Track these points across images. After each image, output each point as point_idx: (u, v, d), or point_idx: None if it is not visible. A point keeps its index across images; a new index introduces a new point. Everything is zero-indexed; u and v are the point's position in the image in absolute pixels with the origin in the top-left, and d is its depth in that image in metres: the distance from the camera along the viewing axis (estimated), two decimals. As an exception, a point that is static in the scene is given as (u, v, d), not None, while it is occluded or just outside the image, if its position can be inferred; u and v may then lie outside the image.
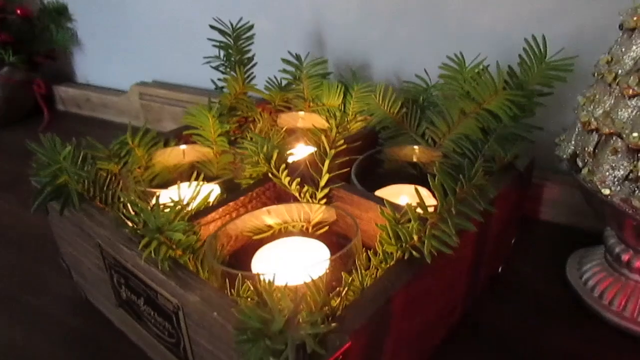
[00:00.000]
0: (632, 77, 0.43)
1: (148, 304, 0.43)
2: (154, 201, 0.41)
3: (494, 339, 0.51)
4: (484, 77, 0.53)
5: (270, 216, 0.47)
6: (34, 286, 0.60)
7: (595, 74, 0.49)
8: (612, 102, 0.46)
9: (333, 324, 0.31)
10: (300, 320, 0.30)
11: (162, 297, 0.40)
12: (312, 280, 0.36)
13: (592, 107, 0.48)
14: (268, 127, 0.65)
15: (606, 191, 0.45)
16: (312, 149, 0.58)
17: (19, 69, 1.02)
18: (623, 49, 0.46)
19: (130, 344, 0.51)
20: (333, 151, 0.48)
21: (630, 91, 0.43)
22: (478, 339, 0.50)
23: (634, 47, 0.44)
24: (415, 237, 0.38)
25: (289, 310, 0.29)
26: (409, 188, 0.57)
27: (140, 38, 1.01)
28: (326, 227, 0.49)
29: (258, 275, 0.36)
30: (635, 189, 0.43)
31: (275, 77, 0.71)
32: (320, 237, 0.48)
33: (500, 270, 0.59)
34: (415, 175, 0.60)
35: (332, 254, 0.46)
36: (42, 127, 1.04)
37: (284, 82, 0.71)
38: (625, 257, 0.51)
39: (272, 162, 0.49)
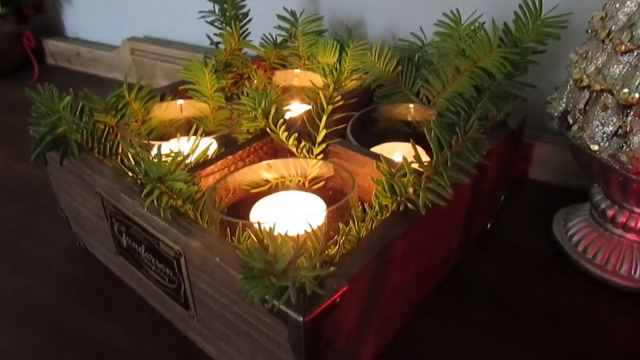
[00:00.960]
0: (624, 33, 0.44)
1: (149, 252, 0.45)
2: (154, 152, 0.42)
3: (483, 290, 0.53)
4: (479, 35, 0.53)
5: (269, 170, 0.48)
6: (33, 236, 0.61)
7: (589, 31, 0.50)
8: (605, 58, 0.46)
9: (332, 268, 0.33)
10: (301, 264, 0.31)
11: (164, 244, 0.41)
12: (312, 229, 0.37)
13: (584, 64, 0.49)
14: (264, 85, 0.65)
15: (595, 147, 0.46)
16: (307, 107, 0.59)
17: (8, 21, 1.00)
18: (617, 5, 0.46)
19: (130, 291, 0.53)
20: (330, 107, 0.49)
21: (623, 47, 0.44)
22: (467, 290, 0.53)
23: (628, 3, 0.45)
24: (411, 190, 0.39)
25: (291, 254, 0.30)
26: (403, 146, 0.58)
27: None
28: (322, 182, 0.50)
29: (259, 223, 0.37)
30: (623, 144, 0.45)
31: (270, 34, 0.70)
32: (317, 192, 0.50)
33: (489, 226, 0.61)
34: (409, 133, 0.61)
35: (328, 207, 0.47)
36: (32, 81, 1.02)
37: (279, 39, 0.71)
38: (610, 212, 0.53)
39: (270, 117, 0.50)
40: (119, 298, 0.52)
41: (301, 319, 0.31)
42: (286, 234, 0.36)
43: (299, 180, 0.51)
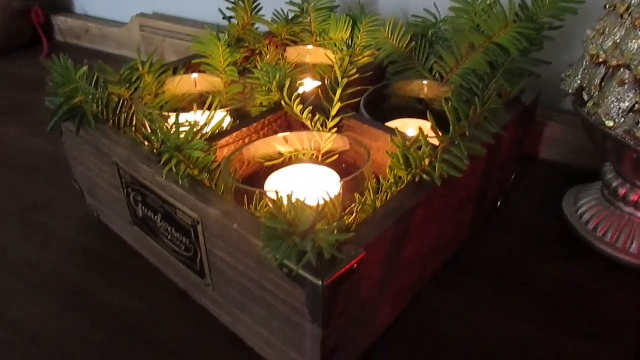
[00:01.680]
0: (644, 9, 0.44)
1: (165, 220, 0.45)
2: (171, 121, 0.42)
3: (492, 266, 0.53)
4: (495, 10, 0.53)
5: (285, 143, 0.49)
6: (46, 208, 0.62)
7: (607, 6, 0.50)
8: (623, 33, 0.46)
9: (350, 234, 0.33)
10: (319, 230, 0.32)
11: (181, 213, 0.42)
12: (329, 198, 0.38)
13: (601, 40, 0.49)
14: (276, 61, 0.65)
15: (610, 123, 0.46)
16: (319, 84, 0.59)
17: (18, -4, 0.99)
18: (637, -19, 0.46)
19: (144, 260, 0.53)
20: (346, 80, 0.49)
21: (642, 24, 0.44)
22: (477, 265, 0.53)
23: (649, -21, 0.45)
24: (427, 162, 0.39)
25: (310, 219, 0.31)
26: (415, 122, 0.58)
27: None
28: (336, 156, 0.50)
29: (277, 192, 0.37)
30: (639, 120, 0.45)
31: (282, 10, 0.70)
32: (330, 166, 0.50)
33: (499, 204, 0.61)
34: (421, 110, 0.61)
35: (343, 179, 0.48)
36: (42, 57, 1.02)
37: (290, 15, 0.71)
38: (622, 191, 0.53)
39: (285, 90, 0.50)
40: (133, 268, 0.53)
41: (320, 283, 0.32)
42: (304, 202, 0.37)
43: (313, 154, 0.51)
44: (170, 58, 0.93)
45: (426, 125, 0.58)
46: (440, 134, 0.48)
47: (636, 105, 0.45)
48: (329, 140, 0.50)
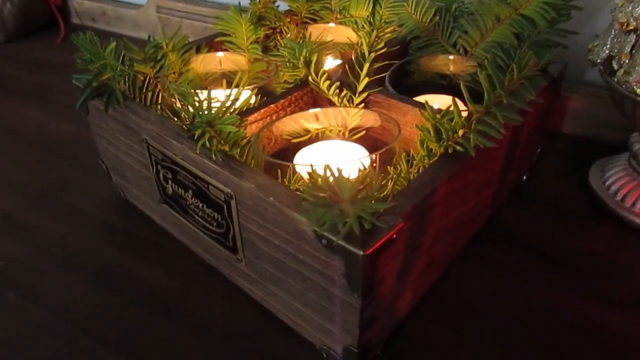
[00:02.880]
0: (679, -24, 0.43)
1: (197, 197, 0.45)
2: (202, 96, 0.42)
3: (520, 238, 0.53)
4: (523, -20, 0.52)
5: (315, 119, 0.48)
6: (72, 188, 0.63)
7: (638, -24, 0.49)
8: (655, 2, 0.46)
9: (391, 203, 0.33)
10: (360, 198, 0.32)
11: (214, 188, 0.42)
12: (365, 168, 0.38)
13: (630, 7, 0.48)
14: (298, 38, 0.65)
15: (641, 92, 0.46)
16: (339, 62, 0.58)
17: (34, -22, 0.99)
18: (670, -52, 0.45)
19: (172, 238, 0.54)
20: (373, 54, 0.48)
21: (676, -10, 0.43)
22: (505, 238, 0.53)
23: (684, -55, 0.44)
24: (460, 132, 0.39)
25: (353, 187, 0.31)
26: (440, 97, 0.58)
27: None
28: (364, 132, 0.50)
29: (311, 165, 0.38)
30: (672, 89, 0.44)
31: (302, -14, 0.69)
32: (358, 141, 0.50)
33: (525, 178, 0.61)
34: (444, 86, 0.61)
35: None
36: (59, 39, 1.02)
37: (310, -8, 0.70)
38: (650, 161, 0.53)
39: (312, 67, 0.50)
40: (162, 245, 0.54)
41: (361, 252, 0.32)
42: (340, 172, 0.37)
43: (340, 130, 0.51)
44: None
45: (451, 101, 0.58)
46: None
47: (669, 74, 0.44)
48: (356, 116, 0.50)
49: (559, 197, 0.59)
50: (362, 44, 0.50)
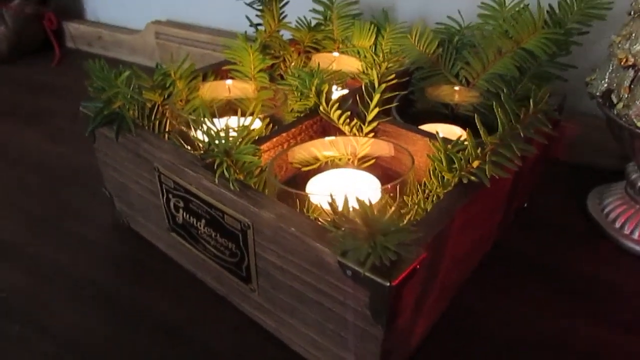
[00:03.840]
0: (675, 15, 0.45)
1: (210, 226, 0.45)
2: (218, 125, 0.43)
3: (524, 263, 0.54)
4: (524, 16, 0.54)
5: (328, 147, 0.49)
6: (74, 215, 0.62)
7: (632, 12, 0.51)
8: (652, 39, 0.48)
9: (418, 234, 0.34)
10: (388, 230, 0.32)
11: (229, 217, 0.42)
12: (386, 197, 0.38)
13: (628, 44, 0.50)
14: (307, 67, 0.66)
15: (641, 124, 0.48)
16: (343, 91, 0.59)
17: (30, 1, 0.99)
18: (664, -11, 0.48)
19: (179, 267, 0.53)
20: (383, 85, 0.49)
21: (673, 29, 0.45)
22: (510, 263, 0.54)
23: (677, -14, 0.46)
24: (476, 163, 0.40)
25: (386, 220, 0.31)
26: (443, 127, 0.59)
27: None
28: (373, 160, 0.51)
29: (331, 194, 0.38)
30: (671, 122, 0.46)
31: (304, 17, 0.71)
32: (368, 170, 0.51)
33: (525, 205, 0.62)
34: (447, 114, 0.62)
35: (382, 184, 0.48)
36: (54, 62, 1.01)
37: (313, 22, 0.71)
38: (647, 190, 0.55)
39: (322, 96, 0.51)
40: (169, 274, 0.53)
41: (387, 283, 0.32)
42: (363, 202, 0.38)
43: (349, 159, 0.52)
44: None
45: (454, 130, 0.60)
46: (482, 137, 0.49)
47: (668, 107, 0.46)
48: (367, 145, 0.50)
49: (560, 223, 0.61)
50: (370, 74, 0.51)
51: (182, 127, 0.51)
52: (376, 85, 0.51)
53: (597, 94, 0.53)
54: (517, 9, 0.56)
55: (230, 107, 0.61)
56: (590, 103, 0.58)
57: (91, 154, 0.57)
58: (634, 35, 0.50)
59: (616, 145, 0.56)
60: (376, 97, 0.50)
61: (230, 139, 0.41)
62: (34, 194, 0.66)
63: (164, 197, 0.49)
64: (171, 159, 0.45)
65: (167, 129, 0.55)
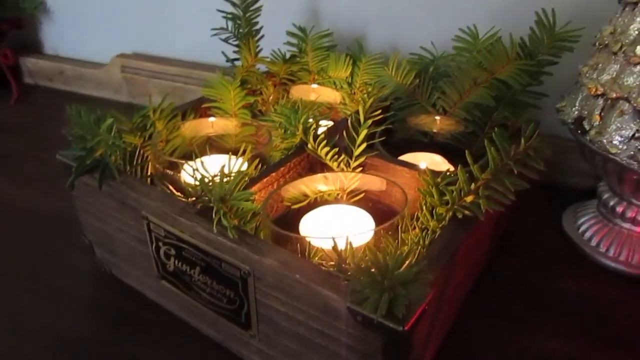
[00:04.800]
0: (638, 47, 0.48)
1: (205, 273, 0.44)
2: (211, 171, 0.42)
3: (509, 286, 0.56)
4: (497, 48, 0.56)
5: (319, 184, 0.49)
6: (52, 264, 0.59)
7: (597, 44, 0.55)
8: (618, 69, 0.51)
9: (427, 276, 0.34)
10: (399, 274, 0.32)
11: (227, 265, 0.41)
12: (386, 239, 0.39)
13: (595, 74, 0.53)
14: (278, 100, 0.66)
15: (614, 150, 0.50)
16: (328, 123, 0.60)
17: (-17, 36, 0.95)
18: (626, 21, 0.51)
19: (169, 314, 0.51)
20: (370, 121, 0.50)
21: (637, 59, 0.48)
22: (497, 287, 0.55)
23: (638, 20, 0.49)
24: (470, 198, 0.41)
25: (399, 266, 0.31)
26: (424, 155, 0.61)
27: (116, 7, 0.97)
28: (362, 194, 0.51)
29: (333, 238, 0.38)
30: (641, 147, 0.49)
31: (279, 50, 0.71)
32: (358, 204, 0.51)
33: (506, 228, 0.64)
34: (425, 143, 0.63)
35: (374, 219, 0.49)
36: (13, 100, 0.97)
37: (288, 55, 0.72)
38: (619, 208, 0.58)
39: (310, 134, 0.51)
40: (158, 323, 0.51)
41: (400, 328, 0.32)
42: (367, 245, 0.38)
43: (338, 194, 0.52)
44: (156, 99, 0.92)
45: (435, 158, 0.61)
46: (450, 166, 0.51)
47: (637, 133, 0.49)
48: (356, 180, 0.51)
49: (539, 243, 0.63)
50: (348, 104, 0.52)
51: (168, 170, 0.50)
52: (362, 120, 0.51)
53: (569, 120, 0.56)
54: (490, 41, 0.58)
55: (211, 145, 0.61)
56: (554, 124, 0.60)
57: (64, 200, 0.54)
58: (600, 65, 0.53)
59: (587, 165, 0.59)
60: (363, 133, 0.51)
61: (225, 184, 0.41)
62: (5, 243, 0.62)
63: (153, 245, 0.47)
64: (161, 207, 0.44)
65: (149, 173, 0.53)
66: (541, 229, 0.65)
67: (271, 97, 0.66)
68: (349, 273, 0.34)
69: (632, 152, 0.49)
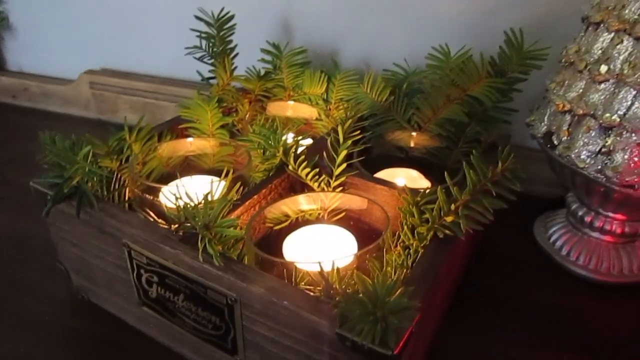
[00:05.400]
0: (602, 66, 0.51)
1: (189, 300, 0.44)
2: (192, 194, 0.42)
3: (487, 298, 0.57)
4: (469, 66, 0.58)
5: (301, 204, 0.50)
6: (25, 292, 0.57)
7: (563, 61, 0.57)
8: (584, 86, 0.53)
9: (416, 303, 0.35)
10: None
11: (213, 292, 0.41)
12: (373, 262, 0.39)
13: (562, 91, 0.55)
14: (254, 117, 0.66)
15: (582, 164, 0.53)
16: (307, 141, 0.60)
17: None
18: (589, 40, 0.53)
19: (151, 341, 0.51)
20: (349, 141, 0.51)
21: (601, 77, 0.51)
22: (475, 301, 0.57)
23: (601, 39, 0.52)
24: (450, 218, 0.42)
25: (382, 299, 0.32)
26: (401, 171, 0.62)
27: (82, 23, 0.94)
28: (343, 214, 0.52)
29: (320, 263, 0.38)
30: (607, 161, 0.51)
31: (254, 67, 0.71)
32: (336, 223, 0.52)
33: (481, 241, 0.66)
34: (401, 158, 0.65)
35: (356, 238, 0.49)
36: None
37: (262, 71, 0.72)
38: (588, 218, 0.60)
39: (291, 155, 0.51)
40: (140, 350, 0.50)
41: (389, 352, 0.33)
42: (354, 270, 0.38)
43: (319, 213, 0.52)
44: (126, 114, 0.90)
45: (411, 173, 0.62)
46: (427, 182, 0.52)
47: (603, 149, 0.51)
48: (336, 199, 0.51)
49: (512, 255, 0.65)
50: (324, 120, 0.52)
51: (147, 195, 0.49)
52: (341, 140, 0.52)
53: (539, 135, 0.58)
54: (462, 59, 0.59)
55: (188, 165, 0.60)
56: (522, 136, 0.63)
57: (32, 222, 0.53)
58: (567, 82, 0.55)
59: (555, 176, 0.62)
60: (342, 153, 0.51)
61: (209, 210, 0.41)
62: (-29, 272, 0.60)
63: (134, 273, 0.47)
64: (142, 234, 0.43)
65: (127, 198, 0.53)
66: (513, 238, 0.68)
67: (247, 115, 0.66)
68: (337, 299, 0.35)
69: (599, 167, 0.52)
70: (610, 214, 0.59)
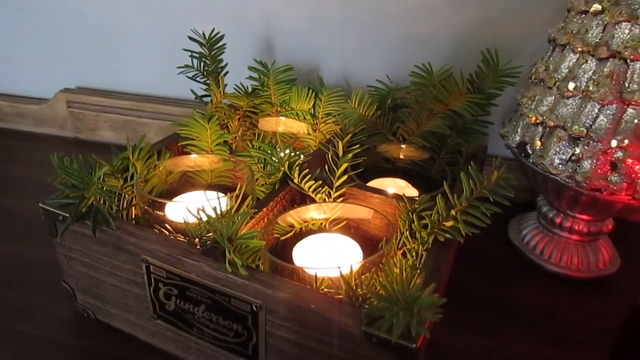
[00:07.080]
0: (569, 83, 0.57)
1: (210, 310, 0.46)
2: (213, 210, 0.44)
3: (469, 298, 0.62)
4: (450, 83, 0.63)
5: (306, 214, 0.52)
6: (29, 315, 0.56)
7: (533, 78, 0.63)
8: (553, 100, 0.59)
9: (437, 297, 0.39)
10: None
11: (237, 300, 0.43)
12: (387, 268, 0.43)
13: (534, 105, 0.62)
14: (244, 133, 0.69)
15: (555, 170, 0.59)
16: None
17: None
18: (557, 60, 0.60)
19: (164, 353, 0.52)
20: (350, 155, 0.54)
21: (570, 93, 0.57)
22: (457, 299, 0.61)
23: (567, 59, 0.58)
24: (450, 223, 0.47)
25: (412, 297, 0.36)
26: (390, 181, 0.66)
27: (52, 41, 0.93)
28: (344, 222, 0.55)
29: (339, 268, 0.42)
30: (577, 167, 0.57)
31: (241, 84, 0.73)
32: (338, 231, 0.55)
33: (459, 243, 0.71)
34: (388, 168, 0.69)
35: (358, 244, 0.53)
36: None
37: (250, 88, 0.74)
38: (558, 220, 0.66)
39: (294, 170, 0.54)
40: (151, 363, 0.51)
41: (413, 345, 0.36)
42: (373, 275, 0.42)
43: (321, 223, 0.55)
44: (106, 133, 0.90)
45: (399, 182, 0.67)
46: (415, 190, 0.57)
47: (572, 156, 0.58)
48: (337, 209, 0.55)
49: (489, 254, 0.70)
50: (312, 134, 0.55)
51: (158, 212, 0.51)
52: (340, 154, 0.55)
53: (513, 145, 0.64)
54: (443, 77, 0.65)
55: (186, 181, 0.62)
56: (499, 145, 0.69)
57: (26, 243, 0.52)
58: (538, 97, 0.61)
59: (525, 181, 0.68)
60: (343, 166, 0.55)
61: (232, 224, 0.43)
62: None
63: (152, 287, 0.48)
64: (163, 249, 0.45)
65: (134, 215, 0.54)
66: (489, 240, 0.73)
67: (240, 131, 0.68)
68: (367, 297, 0.38)
69: (569, 173, 0.58)
70: (578, 215, 0.65)
